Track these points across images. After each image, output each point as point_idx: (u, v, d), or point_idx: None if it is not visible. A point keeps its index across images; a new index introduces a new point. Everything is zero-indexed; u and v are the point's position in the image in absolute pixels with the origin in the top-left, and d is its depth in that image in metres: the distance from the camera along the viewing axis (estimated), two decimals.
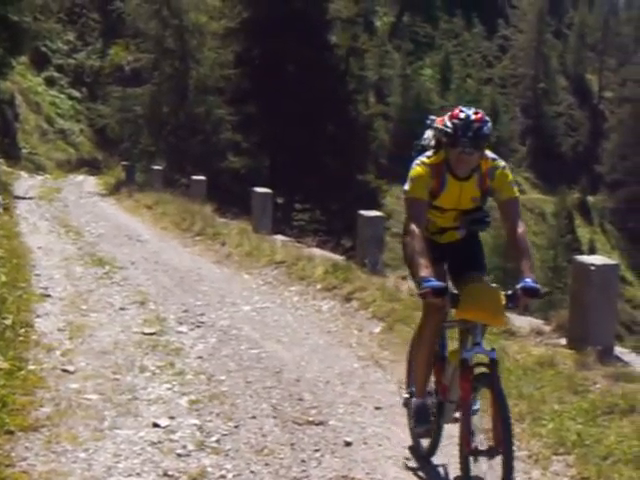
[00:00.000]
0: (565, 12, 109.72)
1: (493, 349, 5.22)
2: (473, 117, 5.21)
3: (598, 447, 6.19)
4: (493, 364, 5.13)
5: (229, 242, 16.77)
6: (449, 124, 5.27)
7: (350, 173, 36.56)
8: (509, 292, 5.16)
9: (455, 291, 5.62)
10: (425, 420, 5.90)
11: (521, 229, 5.41)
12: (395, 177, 64.74)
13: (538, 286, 5.00)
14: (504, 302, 5.08)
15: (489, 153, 5.57)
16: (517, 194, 5.63)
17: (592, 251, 70.42)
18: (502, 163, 5.58)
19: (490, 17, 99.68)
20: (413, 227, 5.45)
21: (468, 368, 5.27)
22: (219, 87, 38.88)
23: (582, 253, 64.37)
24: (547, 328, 9.56)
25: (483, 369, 5.27)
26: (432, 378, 6.13)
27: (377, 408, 7.25)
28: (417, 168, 5.57)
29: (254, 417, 6.86)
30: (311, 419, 6.87)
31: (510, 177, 5.57)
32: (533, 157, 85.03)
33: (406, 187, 5.62)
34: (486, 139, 5.26)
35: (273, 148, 36.18)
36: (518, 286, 5.16)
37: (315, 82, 37.54)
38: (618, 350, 8.80)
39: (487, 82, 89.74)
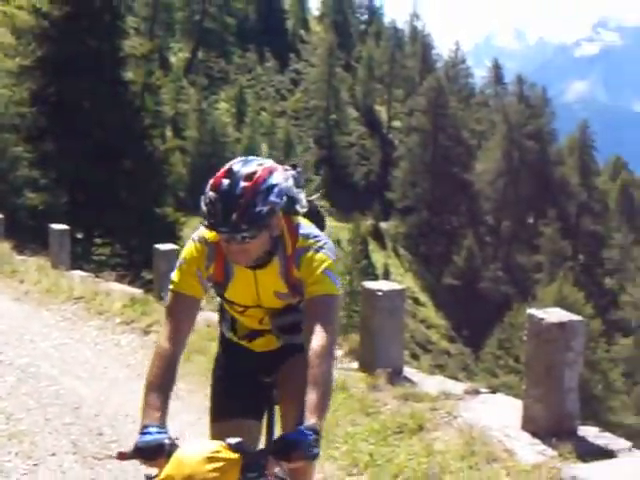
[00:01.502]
0: (354, 46, 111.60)
1: None
2: (239, 189, 3.44)
3: (389, 466, 6.36)
4: None
5: (27, 279, 16.33)
6: (207, 195, 3.54)
7: (148, 207, 36.50)
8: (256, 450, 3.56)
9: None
10: None
11: (321, 343, 3.44)
12: (193, 209, 64.99)
13: (309, 437, 3.17)
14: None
15: (303, 226, 3.83)
16: (331, 290, 3.63)
17: (386, 275, 71.64)
18: (318, 242, 3.74)
19: (282, 52, 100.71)
20: (161, 336, 3.72)
21: None
22: (15, 124, 38.29)
23: (377, 277, 65.75)
24: (340, 353, 9.67)
25: None
26: None
27: (177, 438, 7.22)
28: (189, 246, 3.85)
29: (54, 454, 6.71)
30: (111, 453, 6.60)
31: (324, 263, 3.68)
32: (327, 186, 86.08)
33: (173, 273, 3.84)
34: (259, 220, 3.47)
35: (71, 184, 35.74)
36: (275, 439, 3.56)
37: (111, 118, 37.43)
38: (407, 371, 8.94)
39: (281, 114, 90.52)
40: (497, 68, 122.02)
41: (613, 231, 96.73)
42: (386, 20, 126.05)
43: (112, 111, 37.66)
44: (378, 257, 76.05)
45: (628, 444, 6.84)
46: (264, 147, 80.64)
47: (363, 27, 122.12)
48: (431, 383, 8.56)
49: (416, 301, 76.30)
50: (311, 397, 3.33)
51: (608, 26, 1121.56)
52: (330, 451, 6.78)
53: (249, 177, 3.51)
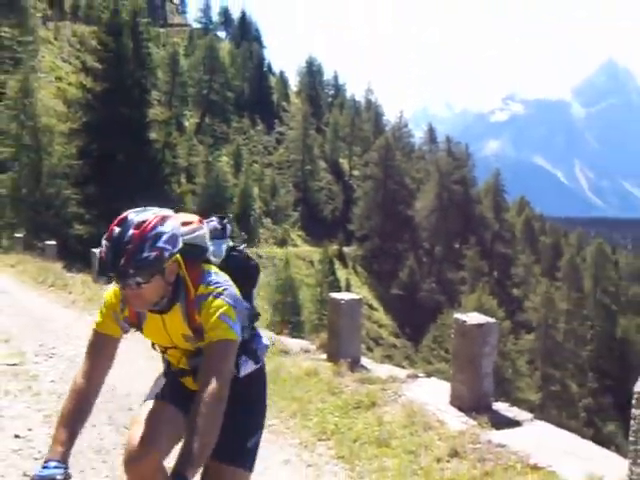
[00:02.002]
0: (323, 114, 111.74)
1: None
2: (127, 236, 2.95)
3: (350, 433, 6.44)
4: None
5: (74, 291, 16.44)
6: (102, 243, 3.03)
7: None
8: None
9: None
10: None
11: (210, 391, 2.85)
12: None
13: None
14: None
15: (210, 273, 3.23)
16: (226, 336, 3.02)
17: (348, 287, 71.47)
18: (218, 289, 3.14)
19: (269, 118, 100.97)
20: (78, 373, 3.20)
21: None
22: (66, 173, 38.32)
23: (341, 289, 65.64)
24: (313, 347, 9.75)
25: None
26: None
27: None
28: (109, 291, 3.34)
29: (94, 425, 6.60)
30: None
31: (221, 309, 3.08)
32: (303, 219, 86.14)
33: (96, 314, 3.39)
34: (147, 266, 2.94)
35: (110, 218, 35.68)
36: None
37: (139, 168, 37.50)
38: (364, 361, 8.98)
39: (268, 166, 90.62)
40: (431, 131, 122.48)
41: (519, 253, 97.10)
42: (348, 94, 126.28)
43: (140, 163, 37.78)
44: (342, 273, 75.95)
45: (530, 415, 6.94)
46: (255, 190, 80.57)
47: (330, 99, 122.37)
48: (381, 370, 8.62)
49: (370, 307, 76.26)
50: (190, 446, 2.75)
51: (514, 99, 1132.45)
52: (305, 422, 6.83)
53: (139, 225, 3.01)
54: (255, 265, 3.67)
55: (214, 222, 3.61)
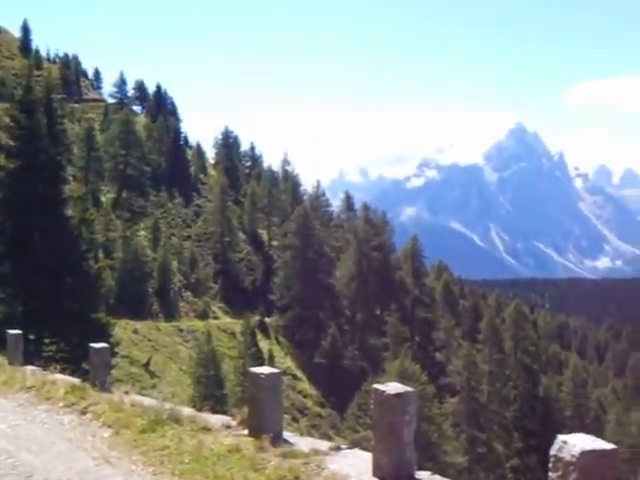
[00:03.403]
0: (241, 186, 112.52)
1: None
2: None
3: None
4: None
5: None
6: None
7: (86, 312, 36.02)
8: None
9: None
10: None
11: None
12: (121, 314, 64.02)
13: None
14: None
15: None
16: None
17: (271, 358, 71.35)
18: None
19: (186, 191, 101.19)
20: None
21: None
22: None
23: (264, 360, 65.46)
24: (234, 422, 9.50)
25: None
26: None
27: None
28: None
29: None
30: None
31: None
32: (224, 291, 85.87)
33: None
34: None
35: (25, 297, 35.16)
36: None
37: (55, 245, 37.11)
38: (286, 434, 8.83)
39: (187, 239, 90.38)
40: (348, 199, 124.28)
41: (439, 317, 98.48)
42: (265, 165, 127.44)
43: (56, 240, 37.39)
44: (264, 344, 75.71)
45: None
46: (175, 264, 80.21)
47: (247, 171, 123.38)
48: (304, 443, 8.54)
49: (294, 377, 76.06)
50: None
51: (429, 166, 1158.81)
52: None
53: None
54: None
55: None
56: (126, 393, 11.76)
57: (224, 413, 11.38)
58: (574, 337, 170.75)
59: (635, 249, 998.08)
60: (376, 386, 7.34)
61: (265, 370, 8.92)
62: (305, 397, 74.28)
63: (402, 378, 52.75)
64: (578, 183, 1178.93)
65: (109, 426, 9.68)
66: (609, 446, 5.32)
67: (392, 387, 7.21)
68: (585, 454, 5.11)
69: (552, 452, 5.19)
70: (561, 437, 5.34)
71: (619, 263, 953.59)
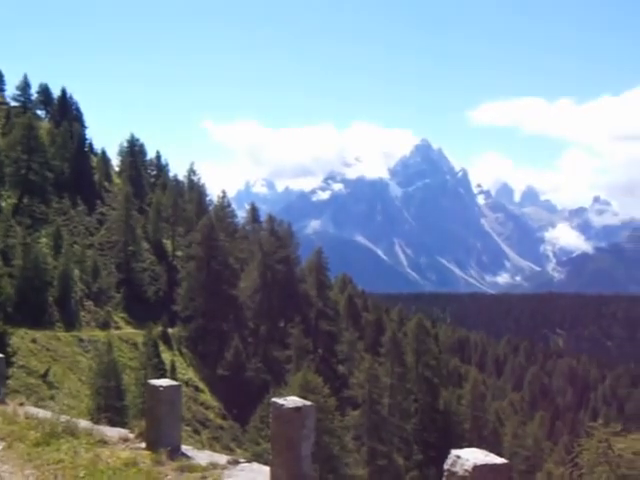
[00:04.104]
0: (146, 194, 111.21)
1: None
2: None
3: None
4: None
5: None
6: None
7: None
8: None
9: None
10: None
11: None
12: (19, 322, 62.67)
13: None
14: None
15: None
16: None
17: (173, 370, 71.02)
18: None
19: (90, 198, 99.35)
20: None
21: None
22: None
23: (166, 372, 65.17)
24: (132, 435, 9.39)
25: None
26: None
27: None
28: None
29: None
30: None
31: None
32: (127, 301, 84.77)
33: None
34: None
35: None
36: None
37: None
38: (184, 448, 8.78)
39: (90, 247, 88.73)
40: (254, 210, 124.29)
41: (343, 330, 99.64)
42: (170, 174, 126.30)
43: None
44: (167, 355, 75.20)
45: None
46: (77, 272, 78.87)
47: (153, 180, 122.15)
48: (202, 456, 8.52)
49: (196, 388, 75.73)
50: None
51: (335, 179, 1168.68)
52: None
53: None
54: None
55: None
56: (21, 405, 11.49)
57: (123, 425, 11.23)
58: (474, 351, 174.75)
59: (533, 265, 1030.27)
60: (275, 400, 7.35)
61: (164, 383, 8.85)
62: (207, 409, 73.99)
63: (304, 391, 53.29)
64: (481, 200, 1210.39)
65: (1, 439, 9.36)
66: (501, 461, 5.34)
67: (290, 401, 7.23)
68: (478, 469, 5.15)
69: (446, 466, 5.27)
70: (454, 452, 5.38)
71: (518, 279, 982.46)
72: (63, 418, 9.68)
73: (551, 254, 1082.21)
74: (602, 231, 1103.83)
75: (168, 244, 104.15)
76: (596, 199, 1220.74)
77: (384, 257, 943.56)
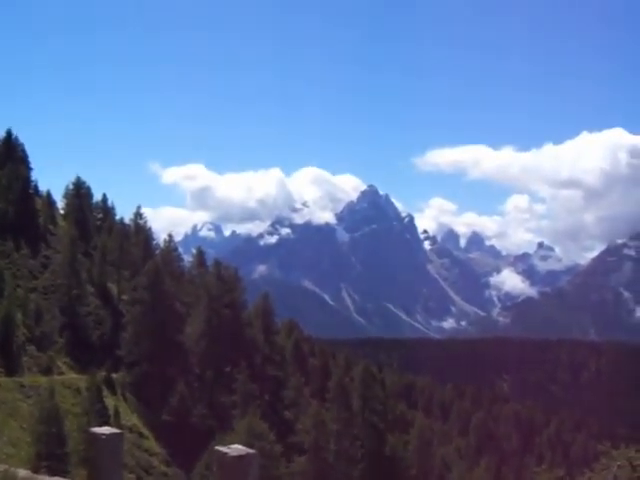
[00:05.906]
0: (91, 237, 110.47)
1: None
2: None
3: None
4: None
5: None
6: None
7: None
8: None
9: None
10: None
11: None
12: None
13: None
14: None
15: None
16: None
17: (117, 415, 70.10)
18: None
19: (34, 241, 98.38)
20: None
21: None
22: None
23: (109, 418, 64.38)
24: None
25: None
26: None
27: None
28: None
29: None
30: None
31: None
32: (70, 346, 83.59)
33: None
34: None
35: None
36: None
37: None
38: None
39: (33, 290, 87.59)
40: (200, 254, 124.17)
41: (289, 376, 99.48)
42: (117, 217, 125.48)
43: None
44: (110, 401, 74.18)
45: None
46: (19, 316, 77.74)
47: (99, 222, 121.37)
48: None
49: (140, 435, 74.71)
50: None
51: (283, 224, 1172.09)
52: None
53: None
54: None
55: None
56: None
57: (64, 473, 11.28)
58: (420, 396, 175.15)
59: (479, 310, 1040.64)
60: (218, 448, 7.27)
61: (106, 430, 8.69)
62: (151, 455, 73.01)
63: (250, 437, 53.14)
64: (427, 245, 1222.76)
65: None
66: None
67: (234, 449, 7.18)
68: None
69: None
70: None
71: (464, 324, 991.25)
72: (1, 467, 9.49)
73: (496, 299, 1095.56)
74: (546, 276, 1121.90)
75: (113, 288, 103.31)
76: (540, 245, 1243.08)
77: (331, 302, 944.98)
